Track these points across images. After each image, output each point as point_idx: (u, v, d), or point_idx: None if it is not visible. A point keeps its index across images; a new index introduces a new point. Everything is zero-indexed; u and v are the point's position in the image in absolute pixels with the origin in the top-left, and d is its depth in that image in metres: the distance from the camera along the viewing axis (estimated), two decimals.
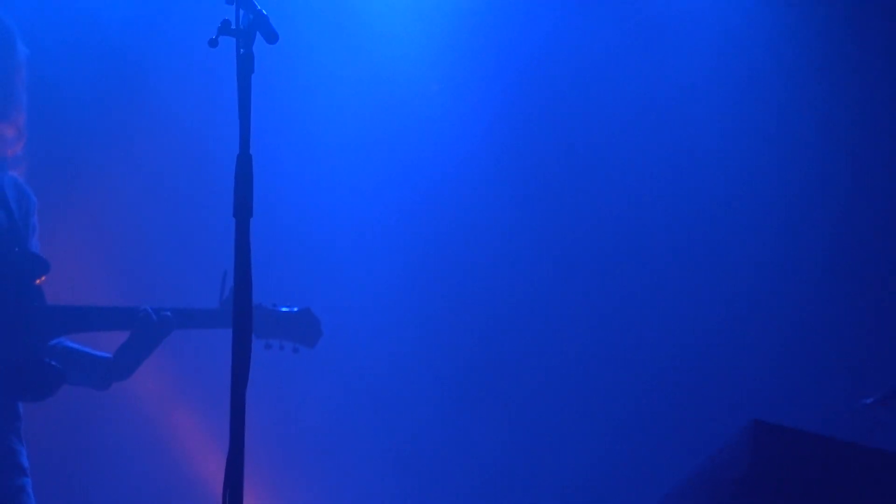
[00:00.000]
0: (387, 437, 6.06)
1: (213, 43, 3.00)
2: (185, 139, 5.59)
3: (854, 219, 6.22)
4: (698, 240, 6.20)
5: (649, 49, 6.26)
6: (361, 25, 5.99)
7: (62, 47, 5.14)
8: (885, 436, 4.41)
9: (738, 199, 6.25)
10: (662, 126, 6.25)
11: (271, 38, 3.01)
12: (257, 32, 3.00)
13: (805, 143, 6.27)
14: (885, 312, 6.05)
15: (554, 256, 6.27)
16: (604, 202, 6.27)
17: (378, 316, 6.09)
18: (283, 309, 4.18)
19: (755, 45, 6.28)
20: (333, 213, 5.91)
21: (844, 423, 4.58)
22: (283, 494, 5.77)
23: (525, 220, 6.24)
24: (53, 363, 3.79)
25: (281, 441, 5.72)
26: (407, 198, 6.05)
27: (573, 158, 6.30)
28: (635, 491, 5.05)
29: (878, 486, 3.91)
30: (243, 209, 2.93)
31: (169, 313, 3.95)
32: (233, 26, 3.00)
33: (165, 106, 5.47)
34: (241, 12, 3.01)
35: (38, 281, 3.82)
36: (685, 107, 6.26)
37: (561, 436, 6.10)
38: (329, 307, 6.02)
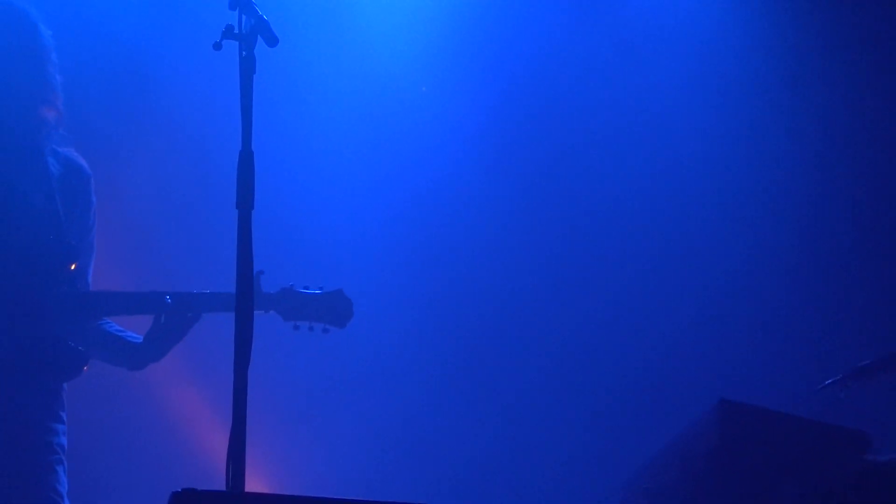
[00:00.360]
0: (382, 416, 6.07)
1: (217, 46, 3.01)
2: (190, 136, 5.58)
3: (818, 215, 6.25)
4: (673, 235, 6.22)
5: (634, 53, 6.27)
6: (355, 30, 5.99)
7: (76, 49, 5.12)
8: (843, 413, 4.45)
9: (710, 197, 6.26)
10: (640, 127, 6.27)
11: (271, 41, 3.02)
12: (258, 36, 3.02)
13: (774, 144, 6.29)
14: (844, 304, 6.10)
15: (536, 249, 6.29)
16: (585, 197, 6.29)
17: (375, 302, 6.10)
18: (312, 291, 3.99)
19: (730, 52, 6.30)
20: (330, 206, 5.91)
21: (805, 402, 4.61)
22: (282, 467, 5.78)
23: (505, 213, 6.25)
24: (77, 346, 3.76)
25: (280, 418, 5.74)
26: (398, 193, 6.05)
27: (557, 155, 6.31)
28: (615, 462, 5.07)
29: (833, 458, 3.95)
30: (245, 202, 2.94)
31: (193, 298, 3.83)
32: (236, 31, 3.01)
33: (172, 105, 5.46)
34: (244, 18, 3.02)
35: (72, 266, 3.78)
36: (664, 110, 6.27)
37: (549, 415, 6.13)
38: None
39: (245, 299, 2.86)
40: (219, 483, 2.85)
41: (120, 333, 3.92)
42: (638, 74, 6.26)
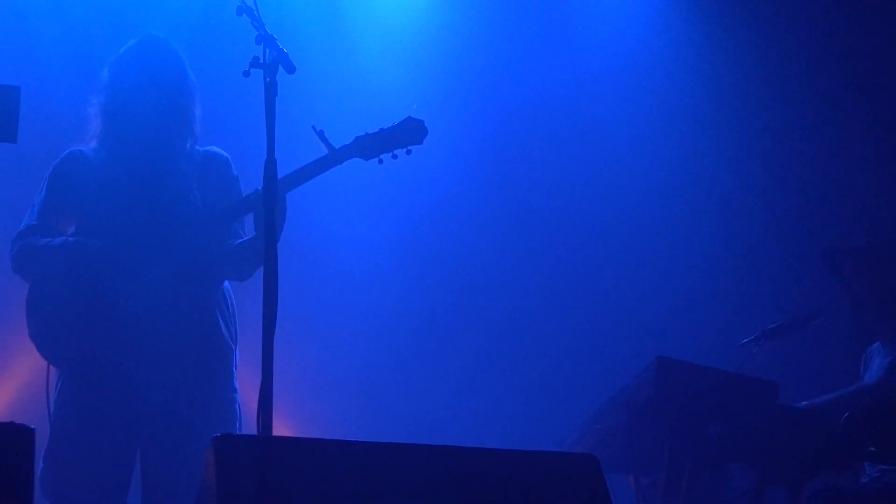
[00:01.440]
0: (385, 374, 6.12)
1: (246, 74, 3.07)
2: (223, 147, 5.60)
3: (736, 204, 6.31)
4: (630, 230, 6.28)
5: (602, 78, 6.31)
6: (354, 53, 6.04)
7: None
8: (756, 366, 4.51)
9: (654, 192, 6.31)
10: (582, 142, 6.32)
11: (290, 69, 3.07)
12: (279, 66, 3.06)
13: (692, 148, 6.34)
14: (757, 279, 6.17)
15: (505, 235, 6.32)
16: (547, 186, 6.34)
17: (378, 283, 6.12)
18: (385, 127, 3.70)
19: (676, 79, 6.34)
20: (336, 205, 5.93)
21: (727, 358, 4.67)
22: (304, 418, 5.82)
23: (490, 217, 6.31)
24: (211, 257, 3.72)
25: (302, 377, 5.77)
26: (394, 198, 6.08)
27: (539, 165, 6.35)
28: (573, 408, 5.12)
29: (750, 404, 4.00)
30: (270, 201, 2.98)
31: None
32: (261, 61, 3.06)
33: (209, 122, 5.47)
34: (267, 50, 3.07)
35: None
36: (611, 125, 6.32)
37: (520, 371, 6.18)
38: (336, 280, 6.08)
39: (270, 277, 2.89)
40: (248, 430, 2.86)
41: (233, 243, 3.78)
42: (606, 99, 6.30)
